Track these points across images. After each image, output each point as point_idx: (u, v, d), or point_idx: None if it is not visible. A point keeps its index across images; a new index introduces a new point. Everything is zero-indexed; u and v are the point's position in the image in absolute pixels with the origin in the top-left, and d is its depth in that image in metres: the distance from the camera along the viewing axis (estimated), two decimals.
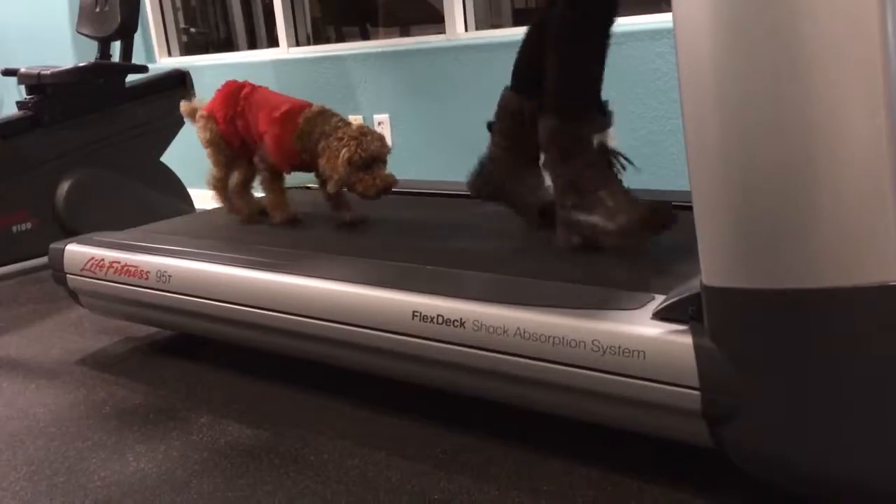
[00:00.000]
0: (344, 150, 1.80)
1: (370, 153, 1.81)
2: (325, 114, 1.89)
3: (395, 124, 3.05)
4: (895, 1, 0.91)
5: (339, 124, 1.86)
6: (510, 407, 1.38)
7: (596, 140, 1.52)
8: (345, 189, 1.86)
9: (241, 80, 2.10)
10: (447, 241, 1.71)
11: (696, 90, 0.98)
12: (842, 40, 0.90)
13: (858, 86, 0.91)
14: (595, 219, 1.49)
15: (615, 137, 1.55)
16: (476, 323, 1.28)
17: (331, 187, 1.86)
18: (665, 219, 1.43)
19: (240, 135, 2.02)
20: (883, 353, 0.95)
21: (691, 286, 1.13)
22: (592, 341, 1.16)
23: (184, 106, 2.16)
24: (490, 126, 1.74)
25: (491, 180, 1.74)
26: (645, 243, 1.46)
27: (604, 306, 1.20)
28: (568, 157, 1.53)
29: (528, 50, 1.66)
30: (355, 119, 3.13)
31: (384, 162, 1.85)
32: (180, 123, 3.06)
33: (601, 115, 1.54)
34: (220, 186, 2.12)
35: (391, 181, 1.84)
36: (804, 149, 0.92)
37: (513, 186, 1.71)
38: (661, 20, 2.41)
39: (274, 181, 2.01)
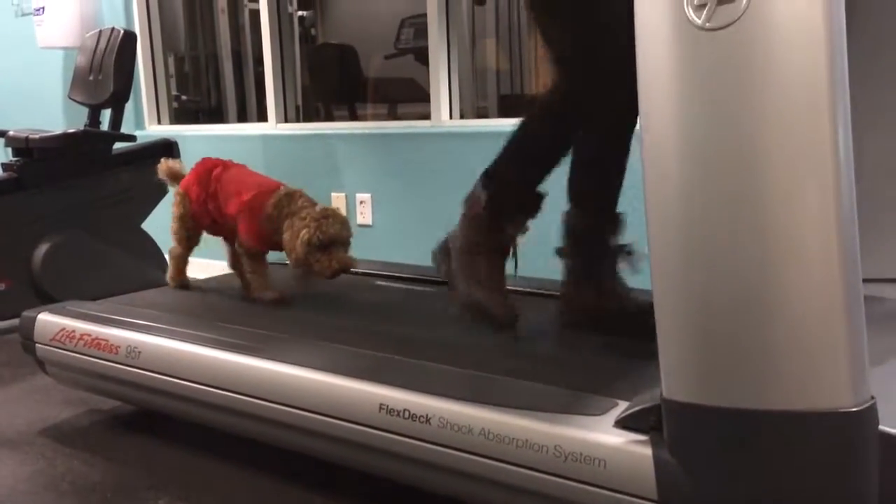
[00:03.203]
0: (304, 231, 1.86)
1: (329, 236, 1.86)
2: (292, 196, 1.95)
3: (376, 204, 3.09)
4: (847, 138, 0.96)
5: (305, 205, 1.92)
6: None
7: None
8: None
9: (225, 154, 2.15)
10: (421, 330, 1.72)
11: (660, 212, 1.02)
12: (799, 173, 0.95)
13: (813, 215, 0.95)
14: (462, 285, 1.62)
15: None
16: (442, 420, 1.28)
17: (290, 264, 1.92)
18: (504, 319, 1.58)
19: (211, 215, 2.08)
20: (833, 475, 0.97)
21: (654, 394, 1.14)
22: (555, 447, 1.16)
23: (162, 165, 2.19)
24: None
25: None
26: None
27: (568, 411, 1.22)
28: (475, 235, 1.65)
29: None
30: (338, 197, 3.18)
31: (344, 244, 1.90)
32: (163, 192, 3.07)
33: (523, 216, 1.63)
34: (176, 262, 2.17)
35: (348, 263, 1.89)
36: (761, 275, 0.96)
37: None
38: None
39: (255, 262, 2.03)
